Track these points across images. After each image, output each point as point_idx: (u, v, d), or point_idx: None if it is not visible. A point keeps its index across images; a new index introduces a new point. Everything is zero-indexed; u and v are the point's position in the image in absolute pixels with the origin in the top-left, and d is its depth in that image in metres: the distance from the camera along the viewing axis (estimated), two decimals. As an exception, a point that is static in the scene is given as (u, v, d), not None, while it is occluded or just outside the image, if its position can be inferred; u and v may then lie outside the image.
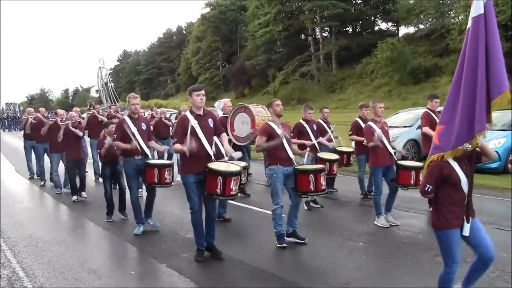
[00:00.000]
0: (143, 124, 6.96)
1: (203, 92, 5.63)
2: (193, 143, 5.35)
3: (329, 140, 8.76)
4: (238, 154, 5.76)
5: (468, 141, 3.65)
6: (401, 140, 12.36)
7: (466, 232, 3.74)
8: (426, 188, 3.75)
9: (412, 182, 6.84)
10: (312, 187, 5.97)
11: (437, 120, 7.48)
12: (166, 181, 6.70)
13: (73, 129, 9.42)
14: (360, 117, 8.92)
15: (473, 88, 3.57)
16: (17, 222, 7.87)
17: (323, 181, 6.06)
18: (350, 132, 8.97)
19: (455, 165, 3.73)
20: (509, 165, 8.01)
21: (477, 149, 3.75)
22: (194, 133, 5.49)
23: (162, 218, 7.62)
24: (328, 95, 44.62)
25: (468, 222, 3.73)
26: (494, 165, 10.50)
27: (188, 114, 5.64)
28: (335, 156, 8.44)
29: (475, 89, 3.55)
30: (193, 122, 5.52)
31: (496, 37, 3.56)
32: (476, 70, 3.55)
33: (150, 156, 6.97)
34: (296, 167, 6.08)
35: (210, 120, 5.71)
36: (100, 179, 11.69)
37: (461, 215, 3.74)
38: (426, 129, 7.70)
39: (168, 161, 6.87)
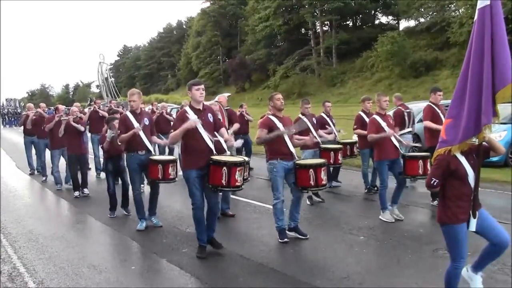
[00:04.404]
0: (145, 119, 6.91)
1: (202, 86, 5.59)
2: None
3: (329, 133, 8.77)
4: (239, 142, 5.75)
5: (475, 135, 3.60)
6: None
7: (473, 227, 3.70)
8: (432, 182, 3.71)
9: (420, 172, 6.77)
10: (312, 182, 5.93)
11: (440, 114, 7.50)
12: (170, 176, 6.71)
13: (74, 124, 9.37)
14: (363, 111, 8.89)
15: (479, 81, 3.51)
16: (18, 218, 7.89)
17: (323, 176, 6.01)
18: (355, 126, 8.92)
19: (462, 159, 3.68)
20: None
21: (485, 143, 3.70)
22: (194, 128, 5.46)
23: (162, 213, 7.61)
24: (329, 89, 44.51)
25: (474, 217, 3.68)
26: (494, 159, 10.45)
27: (187, 109, 5.61)
28: (338, 145, 8.43)
29: (481, 82, 3.49)
30: (192, 117, 5.48)
31: (502, 29, 3.49)
32: (482, 62, 3.49)
33: (153, 152, 6.93)
34: (296, 161, 6.05)
35: (209, 115, 5.67)
36: (101, 175, 11.77)
37: (468, 209, 3.69)
38: (427, 123, 7.63)
39: (172, 157, 6.82)
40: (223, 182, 5.30)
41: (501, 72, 3.45)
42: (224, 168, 5.28)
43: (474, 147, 3.73)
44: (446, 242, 3.86)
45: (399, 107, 9.14)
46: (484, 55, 3.49)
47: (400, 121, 8.63)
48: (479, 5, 3.57)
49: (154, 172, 6.62)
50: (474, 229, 3.71)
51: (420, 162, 6.76)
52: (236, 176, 5.36)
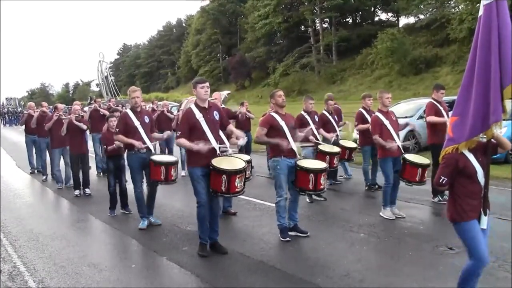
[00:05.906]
0: (145, 117, 6.91)
1: (207, 84, 5.59)
2: (205, 146, 5.32)
3: (330, 132, 8.73)
4: (243, 140, 5.75)
5: (482, 131, 3.57)
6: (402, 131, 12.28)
7: (484, 225, 3.65)
8: (441, 180, 3.67)
9: (417, 179, 6.76)
10: (311, 186, 5.92)
11: (442, 111, 7.46)
12: (172, 178, 6.66)
13: (76, 123, 9.32)
14: (363, 108, 8.88)
15: (486, 78, 3.47)
16: (18, 217, 7.89)
17: (323, 180, 5.99)
18: (356, 123, 8.89)
19: (470, 157, 3.64)
20: None
21: (492, 140, 3.66)
22: (199, 126, 5.46)
23: (162, 212, 7.61)
24: (329, 87, 44.33)
25: (485, 214, 3.64)
26: (495, 155, 10.44)
27: (193, 107, 5.59)
28: (336, 149, 8.28)
29: (489, 79, 3.45)
30: (198, 115, 5.47)
31: (508, 24, 3.45)
32: (489, 59, 3.45)
33: (153, 151, 6.91)
34: (298, 162, 6.02)
35: (215, 112, 5.65)
36: (101, 173, 11.77)
37: (478, 207, 3.65)
38: (430, 118, 7.57)
39: (174, 158, 6.76)
40: (223, 188, 5.32)
41: (509, 68, 3.41)
42: (224, 176, 5.28)
43: (482, 145, 3.68)
44: (461, 240, 3.77)
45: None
46: (492, 51, 3.44)
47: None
48: (485, 1, 3.52)
49: (157, 174, 6.55)
50: (485, 227, 3.66)
51: (420, 170, 6.71)
52: (236, 183, 5.35)
